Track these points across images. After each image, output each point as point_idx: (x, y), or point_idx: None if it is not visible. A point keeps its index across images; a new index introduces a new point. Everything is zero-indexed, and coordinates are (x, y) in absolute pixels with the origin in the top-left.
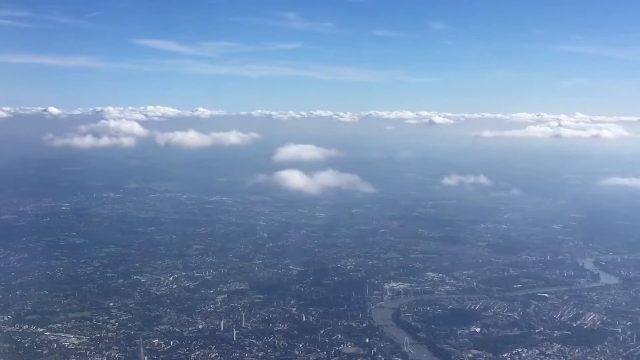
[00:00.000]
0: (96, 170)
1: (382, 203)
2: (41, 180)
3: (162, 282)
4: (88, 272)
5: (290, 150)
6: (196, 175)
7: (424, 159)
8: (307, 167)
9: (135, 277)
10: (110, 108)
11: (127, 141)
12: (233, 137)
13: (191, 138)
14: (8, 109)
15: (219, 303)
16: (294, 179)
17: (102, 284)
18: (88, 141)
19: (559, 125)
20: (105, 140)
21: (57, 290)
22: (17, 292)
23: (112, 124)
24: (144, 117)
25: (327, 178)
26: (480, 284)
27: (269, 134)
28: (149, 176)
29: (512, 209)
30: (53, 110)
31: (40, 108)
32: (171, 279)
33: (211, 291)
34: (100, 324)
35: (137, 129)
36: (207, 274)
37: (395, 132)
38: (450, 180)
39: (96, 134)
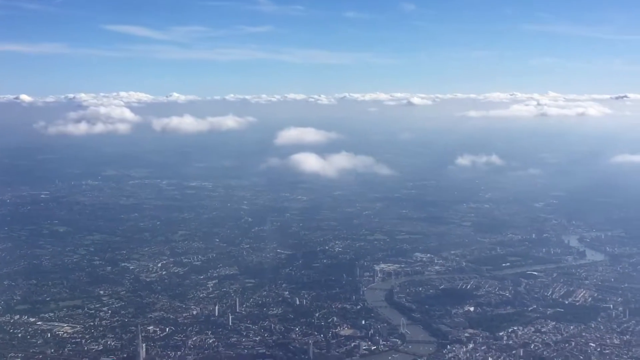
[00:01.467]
0: (74, 158)
1: (400, 183)
2: (18, 168)
3: (151, 269)
4: (75, 260)
5: (291, 134)
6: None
7: (424, 140)
8: (317, 150)
9: (123, 264)
10: (83, 95)
11: (122, 127)
12: (230, 121)
13: (188, 123)
14: None
15: (211, 288)
16: (310, 162)
17: (90, 271)
18: (82, 128)
19: (538, 104)
20: (99, 127)
21: (45, 279)
22: (5, 282)
23: (103, 110)
24: (122, 103)
25: (342, 160)
26: (469, 263)
27: (264, 118)
28: (132, 163)
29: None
30: (25, 97)
31: (11, 96)
32: (160, 265)
33: (201, 277)
34: (93, 312)
35: (129, 115)
36: (196, 259)
37: (379, 114)
38: (463, 160)
39: (87, 121)
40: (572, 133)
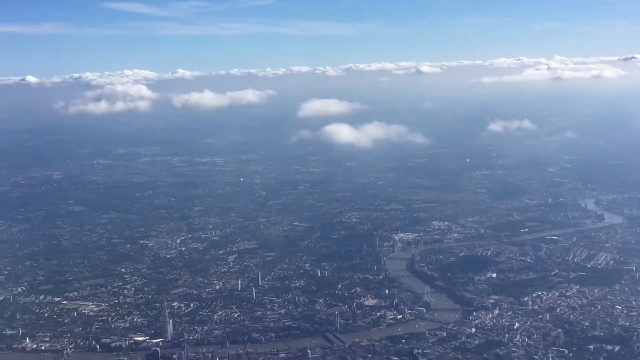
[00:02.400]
0: (83, 137)
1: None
2: (29, 150)
3: (170, 246)
4: (94, 239)
5: (315, 106)
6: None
7: (447, 108)
8: (345, 121)
9: (142, 241)
10: (89, 74)
11: (142, 105)
12: (250, 95)
13: (208, 98)
14: None
15: (231, 263)
16: (343, 133)
17: (110, 250)
18: (102, 107)
19: (549, 68)
20: (119, 105)
21: (66, 258)
22: (26, 263)
23: (120, 88)
24: (131, 81)
25: (375, 130)
26: (487, 230)
27: (281, 91)
28: (140, 141)
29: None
30: (31, 79)
31: (17, 78)
32: (178, 241)
33: (221, 252)
34: (116, 290)
35: (146, 92)
36: (214, 234)
37: (391, 83)
38: (495, 126)
39: (106, 100)
40: (587, 96)
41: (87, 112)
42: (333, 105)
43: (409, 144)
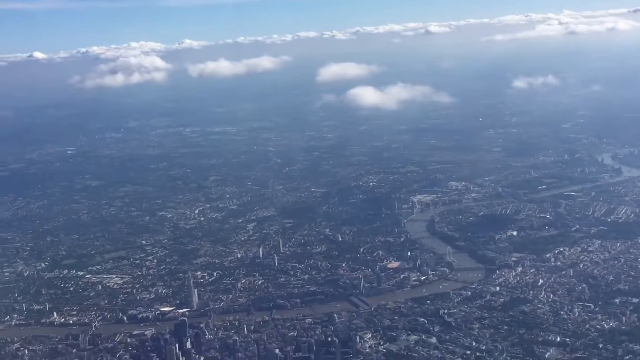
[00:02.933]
0: (94, 112)
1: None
2: (41, 126)
3: (188, 216)
4: (112, 212)
5: (332, 70)
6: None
7: (465, 67)
8: (366, 83)
9: (160, 213)
10: (95, 48)
11: (158, 76)
12: (266, 62)
13: (224, 67)
14: None
15: (251, 231)
16: (368, 95)
17: (129, 223)
18: (119, 79)
19: (560, 23)
20: (136, 77)
21: (86, 233)
22: (47, 239)
23: (133, 60)
24: (140, 54)
25: (399, 92)
26: (505, 188)
27: (296, 57)
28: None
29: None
30: (39, 55)
31: (24, 54)
32: (197, 212)
33: (240, 220)
34: (139, 262)
35: (160, 63)
36: (231, 203)
37: (403, 45)
38: (520, 83)
39: (122, 72)
40: (602, 49)
41: (103, 85)
42: (351, 69)
43: (434, 105)
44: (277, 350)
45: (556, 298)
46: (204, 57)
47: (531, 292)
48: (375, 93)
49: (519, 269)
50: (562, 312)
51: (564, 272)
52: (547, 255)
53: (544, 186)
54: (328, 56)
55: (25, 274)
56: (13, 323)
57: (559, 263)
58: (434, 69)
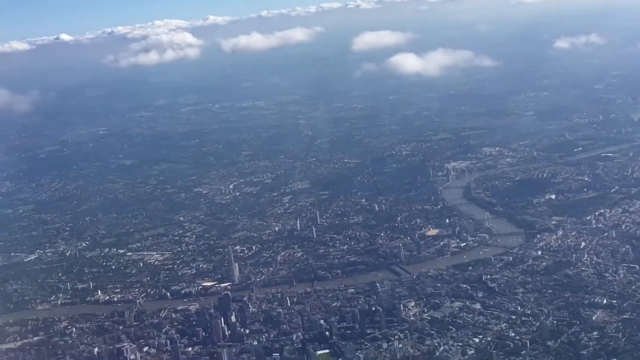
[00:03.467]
0: (123, 92)
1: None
2: (72, 108)
3: (224, 191)
4: (148, 190)
5: (367, 39)
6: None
7: (500, 30)
8: (403, 50)
9: (196, 189)
10: (120, 28)
11: (191, 52)
12: (298, 34)
13: (257, 40)
14: (24, 42)
15: (287, 204)
16: (410, 62)
17: (166, 200)
18: (153, 57)
19: None
20: (170, 55)
21: (124, 211)
22: (86, 219)
23: (165, 38)
24: (167, 31)
25: (441, 58)
26: (540, 152)
27: (329, 27)
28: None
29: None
30: (65, 37)
31: (51, 37)
32: (231, 187)
33: (275, 194)
34: (178, 238)
35: (191, 39)
36: (265, 177)
37: (431, 11)
38: (562, 43)
39: (156, 50)
40: (630, 8)
41: (138, 64)
42: (386, 37)
43: (477, 69)
44: (321, 321)
45: (600, 260)
46: (233, 32)
47: (574, 255)
48: (417, 60)
49: (560, 233)
50: (607, 274)
51: (606, 234)
52: (588, 218)
53: (580, 148)
54: (358, 26)
55: (67, 254)
56: (59, 302)
57: (600, 225)
58: (470, 34)
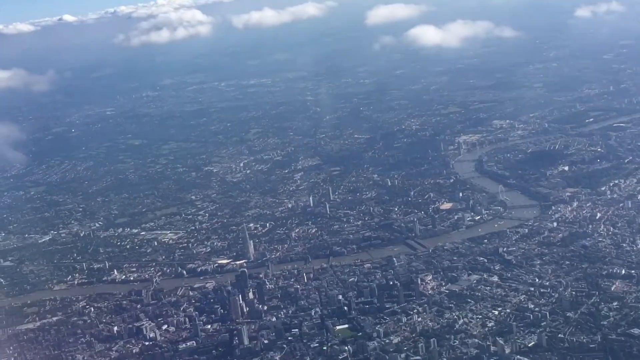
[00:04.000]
0: (128, 72)
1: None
2: (79, 88)
3: (234, 169)
4: (158, 170)
5: (381, 12)
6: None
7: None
8: (417, 23)
9: (206, 168)
10: (123, 7)
11: (203, 30)
12: (311, 9)
13: (269, 16)
14: (27, 23)
15: (299, 181)
16: (429, 34)
17: (177, 179)
18: (164, 35)
19: None
20: (181, 32)
21: (135, 191)
22: (98, 199)
23: (173, 16)
24: (172, 9)
25: (460, 29)
26: (551, 123)
27: (342, 1)
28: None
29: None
30: (69, 17)
31: (54, 18)
32: (242, 165)
33: (286, 171)
34: (191, 217)
35: (201, 16)
36: (276, 155)
37: None
38: (583, 12)
39: (168, 28)
40: None
41: (144, 43)
42: (401, 10)
43: (498, 40)
44: (339, 297)
45: (617, 231)
46: (245, 8)
47: (590, 226)
48: (436, 32)
49: (575, 204)
50: (624, 245)
51: (621, 205)
52: (603, 189)
53: (591, 119)
54: None
55: (82, 235)
56: (76, 282)
57: (615, 196)
58: (486, 5)
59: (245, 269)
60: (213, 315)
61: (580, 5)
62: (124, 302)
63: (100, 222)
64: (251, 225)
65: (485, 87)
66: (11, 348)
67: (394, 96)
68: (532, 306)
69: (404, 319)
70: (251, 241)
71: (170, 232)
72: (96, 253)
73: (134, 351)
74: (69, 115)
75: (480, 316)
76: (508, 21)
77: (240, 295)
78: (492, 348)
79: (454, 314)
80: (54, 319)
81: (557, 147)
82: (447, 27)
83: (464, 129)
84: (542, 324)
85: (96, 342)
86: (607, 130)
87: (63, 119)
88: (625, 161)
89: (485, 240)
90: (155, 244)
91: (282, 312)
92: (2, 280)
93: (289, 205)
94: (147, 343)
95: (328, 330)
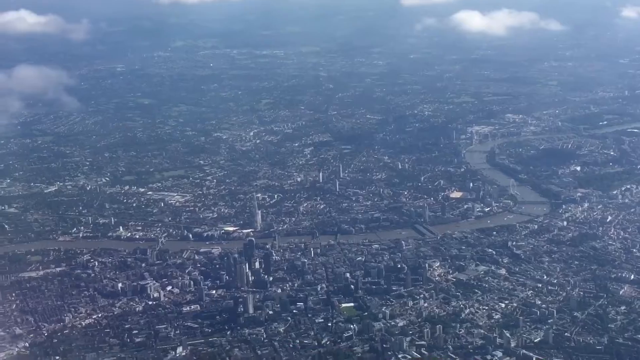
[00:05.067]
0: (139, 29)
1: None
2: (87, 42)
3: (244, 138)
4: (167, 131)
5: None
6: None
7: None
8: (456, 7)
9: (215, 134)
10: None
11: None
12: None
13: None
14: None
15: (308, 155)
16: (474, 20)
17: (185, 142)
18: None
19: None
20: None
21: (143, 150)
22: (106, 154)
23: None
24: None
25: (505, 18)
26: (564, 122)
27: None
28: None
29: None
30: None
31: None
32: (252, 134)
33: (296, 144)
34: (198, 181)
35: None
36: (286, 127)
37: None
38: (630, 12)
39: None
40: None
41: (155, 2)
42: None
43: (542, 33)
44: (347, 274)
45: (627, 235)
46: None
47: (600, 228)
48: (481, 18)
49: (586, 205)
50: (634, 250)
51: (633, 210)
52: (614, 192)
53: (605, 122)
54: None
55: (88, 188)
56: (80, 235)
57: (627, 200)
58: None
59: (252, 238)
60: (218, 281)
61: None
62: (129, 259)
63: (107, 178)
64: (259, 195)
65: (500, 80)
66: (14, 294)
67: (407, 80)
68: (539, 302)
69: (410, 303)
70: (259, 211)
71: (177, 195)
72: (102, 208)
73: (137, 309)
74: (80, 68)
75: (487, 307)
76: (560, 14)
77: (247, 264)
78: (498, 340)
79: (460, 302)
80: (58, 269)
81: (569, 146)
82: (492, 14)
83: (477, 119)
84: (549, 321)
85: (99, 296)
86: (620, 135)
87: (74, 71)
88: (638, 167)
89: (494, 233)
90: (162, 205)
91: (287, 285)
92: (6, 227)
93: (298, 179)
94: (150, 302)
95: (333, 307)
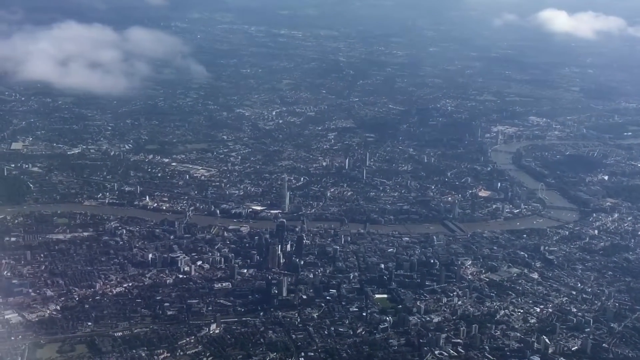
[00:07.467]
0: None
1: None
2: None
3: (266, 117)
4: (189, 103)
5: None
6: None
7: None
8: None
9: (238, 110)
10: None
11: None
12: None
13: None
14: None
15: (332, 140)
16: (559, 20)
17: (207, 116)
18: None
19: None
20: None
21: (165, 120)
22: (127, 121)
23: None
24: None
25: (590, 20)
26: (589, 130)
27: None
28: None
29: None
30: None
31: None
32: (274, 113)
33: (319, 128)
34: (223, 156)
35: None
36: (309, 110)
37: None
38: None
39: None
40: None
41: None
42: None
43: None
44: (381, 265)
45: None
46: None
47: (632, 240)
48: (567, 19)
49: (616, 215)
50: None
51: None
52: None
53: (630, 133)
54: None
55: (111, 154)
56: (107, 201)
57: None
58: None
59: (284, 220)
60: (249, 260)
61: None
62: (157, 230)
63: (130, 145)
64: (284, 176)
65: (521, 81)
66: (42, 256)
67: (428, 73)
68: (575, 310)
69: (444, 300)
70: (288, 192)
71: (202, 168)
72: (126, 175)
73: (167, 281)
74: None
75: (522, 311)
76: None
77: (279, 246)
78: (536, 345)
79: (494, 303)
80: (85, 234)
81: (595, 154)
82: (577, 16)
83: (500, 119)
84: (586, 330)
85: (129, 265)
86: None
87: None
88: None
89: (525, 235)
90: (187, 177)
91: (319, 270)
92: (31, 186)
93: (324, 164)
94: (181, 276)
95: (367, 297)
